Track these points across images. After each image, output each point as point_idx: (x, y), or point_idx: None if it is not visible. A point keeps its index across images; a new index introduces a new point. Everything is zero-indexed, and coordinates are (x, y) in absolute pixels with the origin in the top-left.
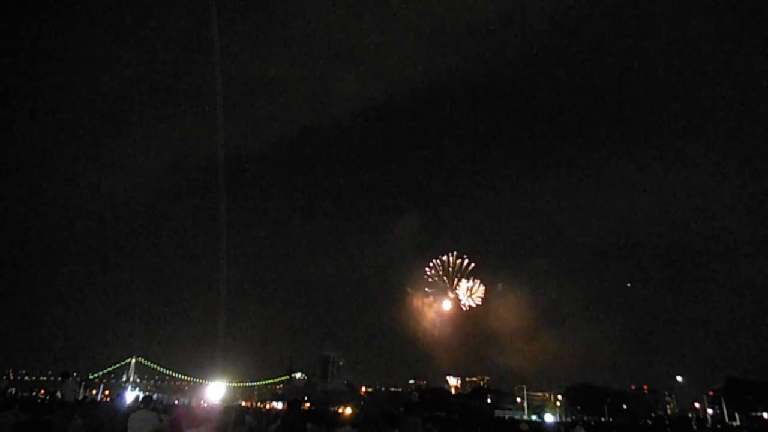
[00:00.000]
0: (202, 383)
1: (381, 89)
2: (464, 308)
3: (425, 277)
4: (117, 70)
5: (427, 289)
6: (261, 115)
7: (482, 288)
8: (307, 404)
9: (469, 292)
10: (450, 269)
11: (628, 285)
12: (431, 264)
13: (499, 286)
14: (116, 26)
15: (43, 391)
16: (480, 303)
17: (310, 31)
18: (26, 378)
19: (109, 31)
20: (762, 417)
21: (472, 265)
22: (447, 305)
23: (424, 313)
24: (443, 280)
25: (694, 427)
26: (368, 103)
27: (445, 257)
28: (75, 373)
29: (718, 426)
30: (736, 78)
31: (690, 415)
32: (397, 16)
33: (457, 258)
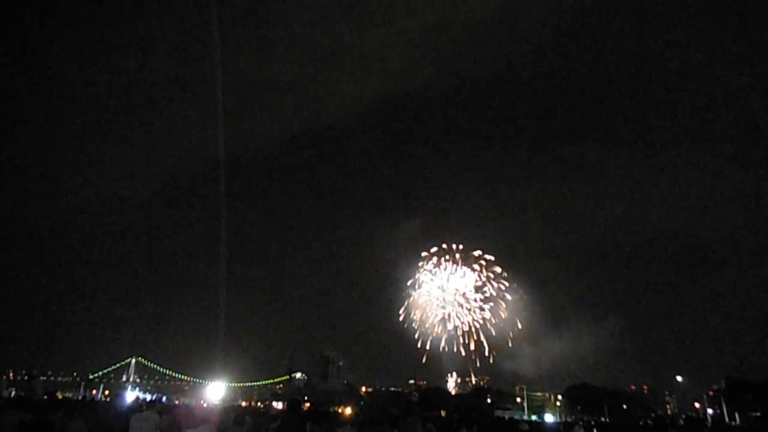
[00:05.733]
0: (202, 383)
1: (380, 90)
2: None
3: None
4: (114, 72)
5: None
6: (260, 116)
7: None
8: (307, 404)
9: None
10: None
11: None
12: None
13: (500, 287)
14: (114, 27)
15: None
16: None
17: (308, 33)
18: (26, 378)
19: (106, 33)
20: (762, 417)
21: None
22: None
23: (424, 313)
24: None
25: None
26: (367, 104)
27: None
28: (75, 373)
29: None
30: (737, 78)
31: (692, 415)
32: (395, 17)
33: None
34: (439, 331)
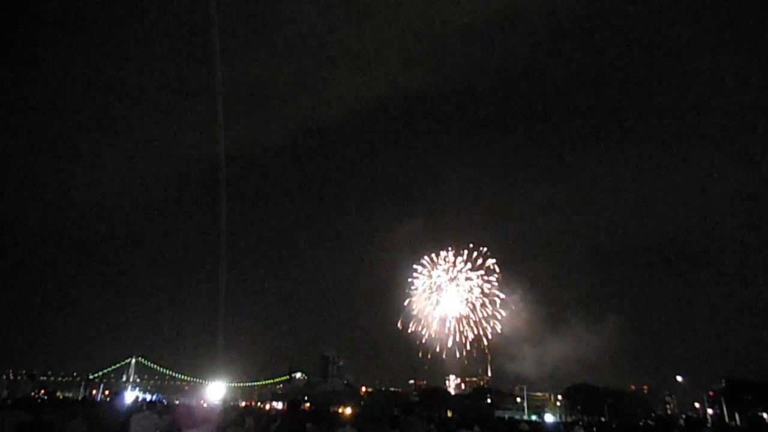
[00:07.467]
0: (202, 383)
1: (380, 89)
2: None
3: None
4: (113, 72)
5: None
6: (260, 116)
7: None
8: (307, 404)
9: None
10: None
11: None
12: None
13: (502, 290)
14: (113, 27)
15: (42, 391)
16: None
17: (308, 33)
18: (26, 378)
19: (105, 33)
20: (761, 417)
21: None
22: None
23: (424, 314)
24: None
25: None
26: (367, 104)
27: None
28: (75, 373)
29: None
30: (736, 77)
31: (692, 415)
32: (395, 17)
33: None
34: (439, 333)
